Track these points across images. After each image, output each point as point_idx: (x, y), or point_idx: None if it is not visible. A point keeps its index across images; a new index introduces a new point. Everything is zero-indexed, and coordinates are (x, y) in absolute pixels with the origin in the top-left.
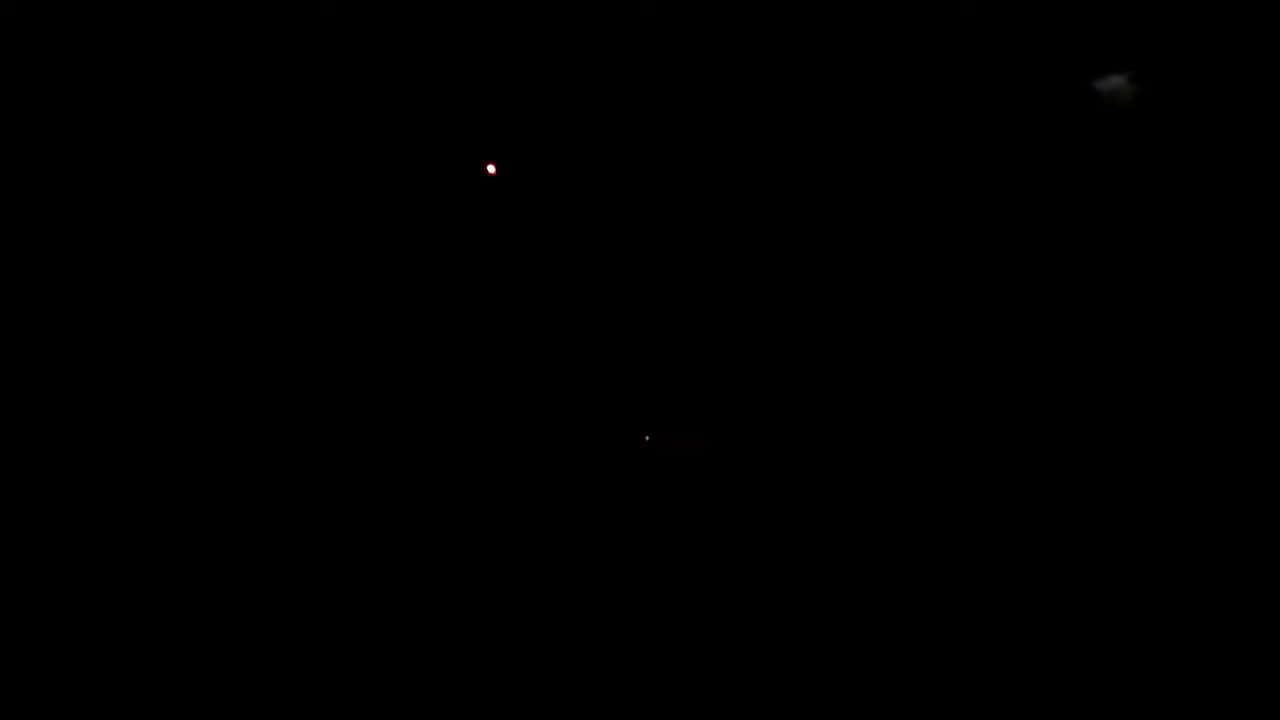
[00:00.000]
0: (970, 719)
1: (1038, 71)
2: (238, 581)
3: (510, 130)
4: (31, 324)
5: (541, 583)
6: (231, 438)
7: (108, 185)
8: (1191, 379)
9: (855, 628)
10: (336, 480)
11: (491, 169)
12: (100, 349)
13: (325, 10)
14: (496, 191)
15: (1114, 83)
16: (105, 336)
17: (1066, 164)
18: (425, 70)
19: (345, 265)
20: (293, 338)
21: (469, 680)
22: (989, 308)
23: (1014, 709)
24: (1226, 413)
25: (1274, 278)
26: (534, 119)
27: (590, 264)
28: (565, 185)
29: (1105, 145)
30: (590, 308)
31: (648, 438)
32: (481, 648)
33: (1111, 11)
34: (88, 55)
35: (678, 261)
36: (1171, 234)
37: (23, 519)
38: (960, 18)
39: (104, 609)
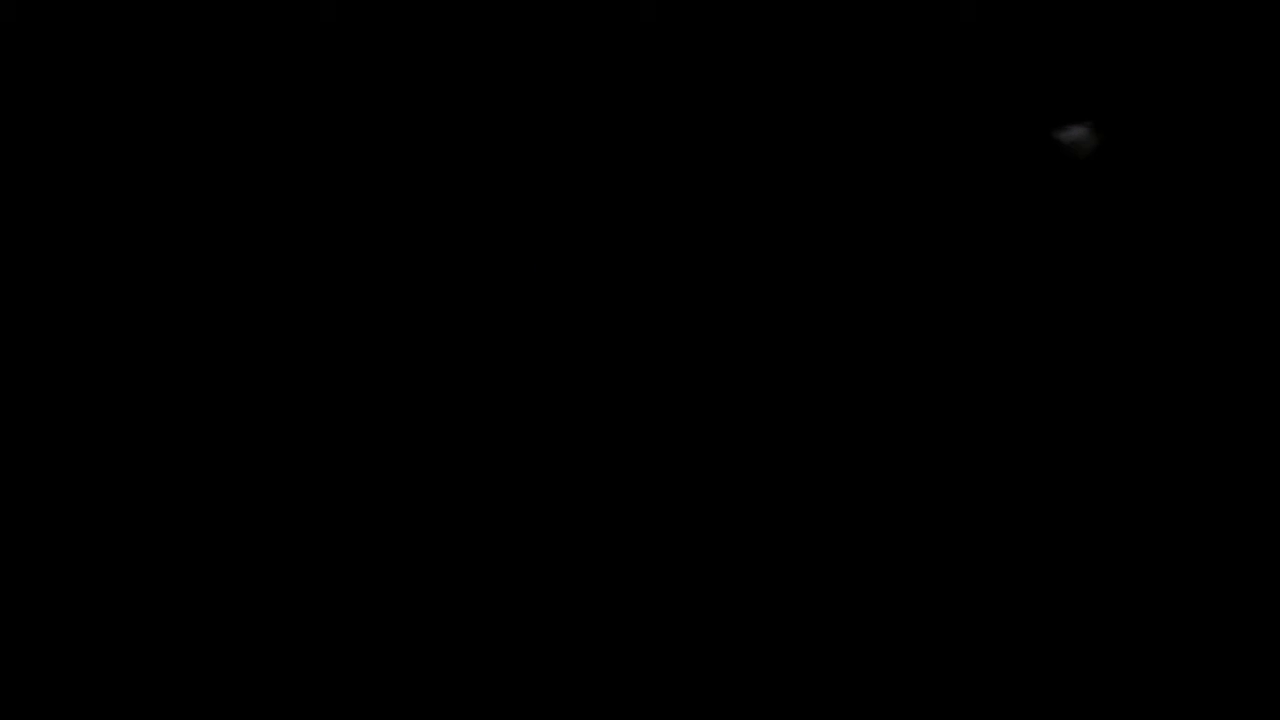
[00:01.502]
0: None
1: (996, 123)
2: (237, 581)
3: (511, 130)
4: (31, 324)
5: (541, 583)
6: (231, 437)
7: (108, 185)
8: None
9: (855, 628)
10: (335, 480)
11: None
12: (100, 349)
13: (325, 15)
14: (498, 191)
15: (1075, 134)
16: (106, 336)
17: (1027, 216)
18: (426, 70)
19: (345, 265)
20: (292, 338)
21: (469, 680)
22: (933, 364)
23: (1014, 709)
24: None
25: (1237, 324)
26: (534, 119)
27: (590, 264)
28: (566, 186)
29: (1066, 197)
30: (590, 307)
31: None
32: (481, 648)
33: (1070, 61)
34: (87, 55)
35: (677, 261)
36: (1137, 284)
37: (22, 519)
38: (920, 63)
39: (104, 609)
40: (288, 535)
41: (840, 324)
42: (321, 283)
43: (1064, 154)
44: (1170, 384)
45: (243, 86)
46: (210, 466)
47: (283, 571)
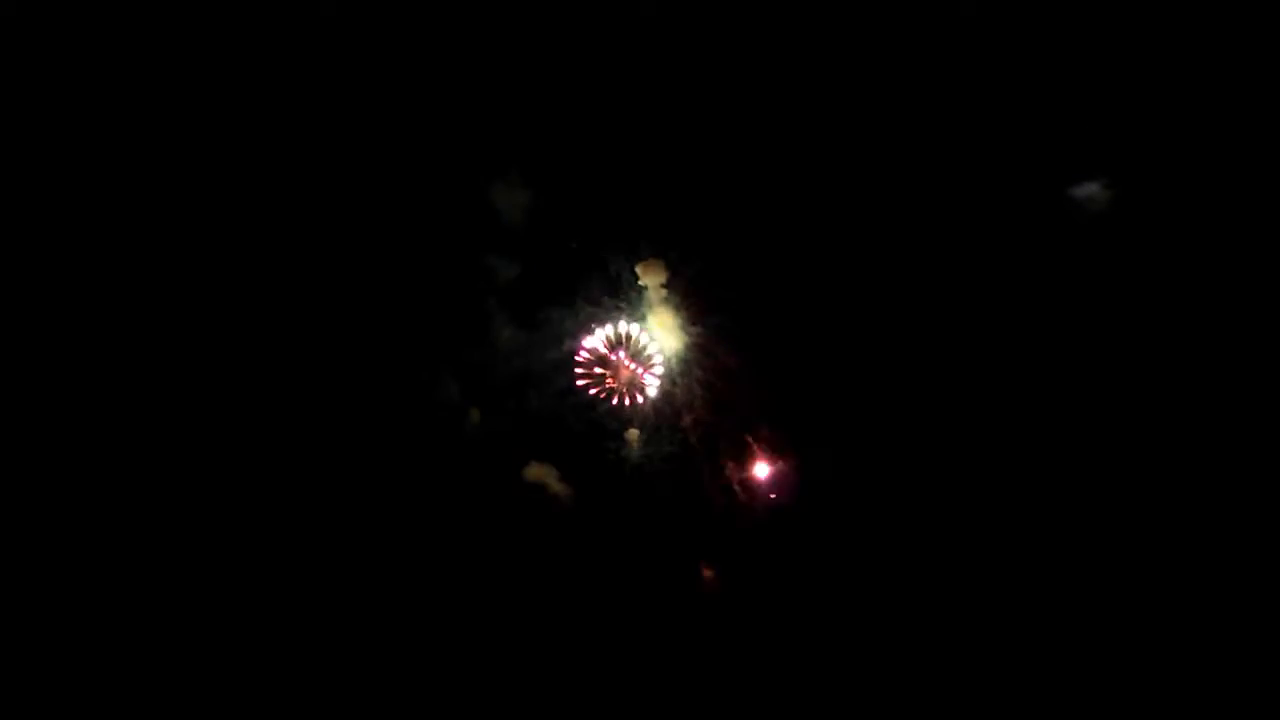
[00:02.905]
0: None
1: (1012, 180)
2: (236, 581)
3: (512, 130)
4: (31, 324)
5: (540, 582)
6: (228, 436)
7: (108, 185)
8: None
9: (856, 628)
10: (333, 478)
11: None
12: (100, 348)
13: (325, 11)
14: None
15: (1089, 189)
16: (106, 336)
17: (1041, 271)
18: (426, 71)
19: (343, 265)
20: (292, 337)
21: (468, 680)
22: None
23: (1014, 709)
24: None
25: (1239, 369)
26: (536, 119)
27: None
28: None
29: (1079, 253)
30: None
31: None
32: (480, 648)
33: (1085, 119)
34: (87, 55)
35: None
36: (1143, 333)
37: (22, 519)
38: (939, 122)
39: (104, 609)
40: (284, 530)
41: (840, 370)
42: (319, 280)
43: (1077, 208)
44: (1180, 430)
45: (242, 85)
46: (206, 463)
47: (279, 567)
